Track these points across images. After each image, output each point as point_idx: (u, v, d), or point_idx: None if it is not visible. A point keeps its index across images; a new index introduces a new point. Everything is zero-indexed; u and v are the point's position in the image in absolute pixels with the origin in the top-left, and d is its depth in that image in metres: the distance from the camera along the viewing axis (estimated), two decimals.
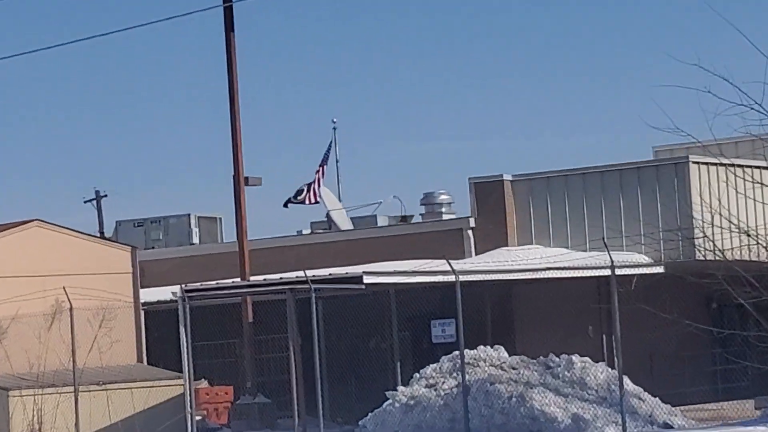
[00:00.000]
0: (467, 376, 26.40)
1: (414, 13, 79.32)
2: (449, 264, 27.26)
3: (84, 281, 30.45)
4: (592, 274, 29.92)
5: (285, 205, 39.34)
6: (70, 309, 29.56)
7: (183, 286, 30.07)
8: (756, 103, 21.60)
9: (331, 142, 42.60)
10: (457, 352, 27.01)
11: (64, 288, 29.54)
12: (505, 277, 31.26)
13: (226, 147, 33.38)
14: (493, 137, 73.31)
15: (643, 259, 32.68)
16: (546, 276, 31.10)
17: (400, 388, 27.44)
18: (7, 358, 30.31)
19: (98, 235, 46.82)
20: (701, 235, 27.66)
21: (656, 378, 29.64)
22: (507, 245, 34.89)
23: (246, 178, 31.94)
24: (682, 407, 26.88)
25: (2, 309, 30.32)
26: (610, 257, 25.73)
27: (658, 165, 33.33)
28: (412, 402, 26.93)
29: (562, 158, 75.84)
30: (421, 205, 38.23)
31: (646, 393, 26.13)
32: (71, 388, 29.55)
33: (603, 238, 28.64)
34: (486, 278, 30.64)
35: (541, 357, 27.06)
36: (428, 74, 76.05)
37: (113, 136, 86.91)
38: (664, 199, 33.14)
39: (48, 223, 32.96)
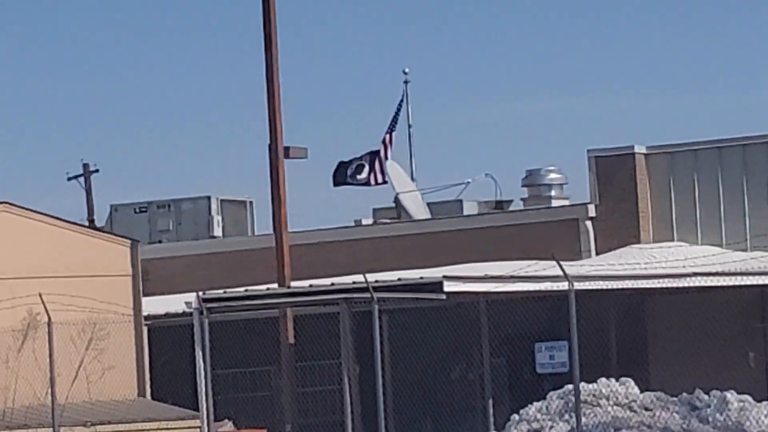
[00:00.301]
0: (584, 419, 25.92)
1: None
2: (560, 267, 26.43)
3: (67, 286, 30.13)
4: (755, 282, 29.45)
5: (337, 184, 38.56)
6: (48, 323, 28.98)
7: (200, 293, 29.34)
8: None
9: (401, 101, 41.32)
10: (570, 387, 26.17)
11: (39, 295, 28.83)
12: (636, 285, 30.38)
13: (259, 108, 31.70)
14: (619, 94, 72.07)
15: None
16: (692, 284, 29.62)
17: None
18: None
19: (86, 223, 46.46)
20: None
21: None
22: (639, 242, 35.34)
23: (286, 149, 30.69)
24: None
25: None
26: None
27: None
28: None
29: (716, 124, 73.13)
30: (523, 186, 37.08)
31: None
32: (49, 430, 29.10)
33: None
34: (611, 286, 29.84)
35: (684, 394, 26.54)
36: (531, 12, 74.38)
37: (106, 93, 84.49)
38: None
39: (19, 206, 32.15)
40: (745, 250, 32.74)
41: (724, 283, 30.49)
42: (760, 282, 30.59)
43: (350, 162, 39.09)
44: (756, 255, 31.61)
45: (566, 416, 26.74)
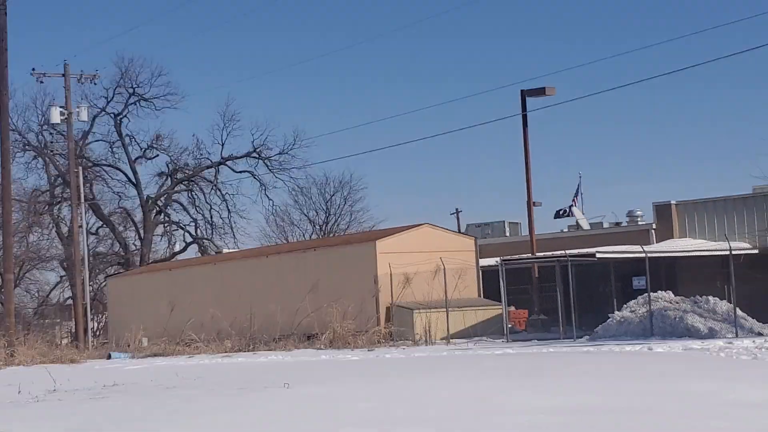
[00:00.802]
0: (652, 306, 31.74)
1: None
2: (642, 248, 34.89)
3: (451, 255, 39.51)
4: (718, 254, 37.33)
5: None
6: (444, 270, 38.01)
7: (500, 259, 37.55)
8: None
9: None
10: (646, 294, 32.36)
11: (440, 258, 38.50)
12: (673, 255, 39.56)
13: None
14: None
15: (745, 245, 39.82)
16: (699, 254, 38.99)
17: (616, 312, 33.61)
18: (412, 294, 39.12)
19: (457, 231, 53.55)
20: None
21: (756, 310, 34.18)
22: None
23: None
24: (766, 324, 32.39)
25: (408, 269, 39.29)
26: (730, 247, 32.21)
27: None
28: (622, 320, 33.02)
29: None
30: None
31: (749, 317, 32.13)
32: (443, 310, 37.68)
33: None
34: (656, 255, 36.54)
35: (692, 297, 32.75)
36: None
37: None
38: None
39: (434, 225, 41.96)
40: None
41: (707, 254, 38.29)
42: (719, 254, 36.14)
43: None
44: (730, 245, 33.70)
45: (645, 306, 32.43)
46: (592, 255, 36.37)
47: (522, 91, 41.08)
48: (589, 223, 48.25)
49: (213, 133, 67.03)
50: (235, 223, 64.47)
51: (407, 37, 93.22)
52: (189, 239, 65.74)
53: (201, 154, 64.78)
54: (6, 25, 37.17)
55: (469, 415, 12.84)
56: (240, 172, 65.20)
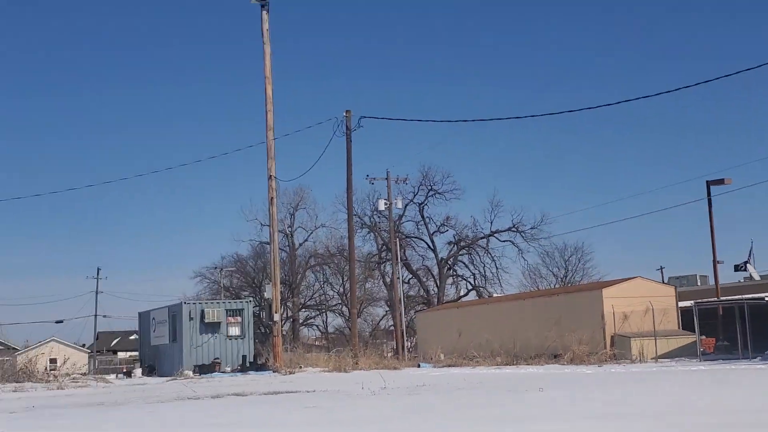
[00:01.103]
0: None
1: None
2: None
3: (657, 299, 38.23)
4: None
5: None
6: (652, 310, 37.21)
7: (694, 302, 36.15)
8: None
9: None
10: None
11: (650, 301, 37.25)
12: None
13: None
14: None
15: None
16: None
17: None
18: (629, 326, 37.19)
19: (661, 281, 52.35)
20: None
21: None
22: None
23: None
24: None
25: (626, 309, 37.55)
26: None
27: None
28: None
29: None
30: None
31: None
32: (653, 338, 36.62)
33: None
34: None
35: None
36: None
37: None
38: None
39: (645, 278, 40.25)
40: None
41: None
42: None
43: None
44: None
45: None
46: (762, 298, 34.93)
47: (707, 181, 40.06)
48: (759, 275, 47.19)
49: (484, 214, 74.81)
50: (501, 276, 65.96)
51: (621, 141, 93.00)
52: (470, 287, 67.37)
53: (476, 229, 66.88)
54: (351, 149, 38.39)
55: (666, 410, 12.41)
56: (503, 241, 66.57)
